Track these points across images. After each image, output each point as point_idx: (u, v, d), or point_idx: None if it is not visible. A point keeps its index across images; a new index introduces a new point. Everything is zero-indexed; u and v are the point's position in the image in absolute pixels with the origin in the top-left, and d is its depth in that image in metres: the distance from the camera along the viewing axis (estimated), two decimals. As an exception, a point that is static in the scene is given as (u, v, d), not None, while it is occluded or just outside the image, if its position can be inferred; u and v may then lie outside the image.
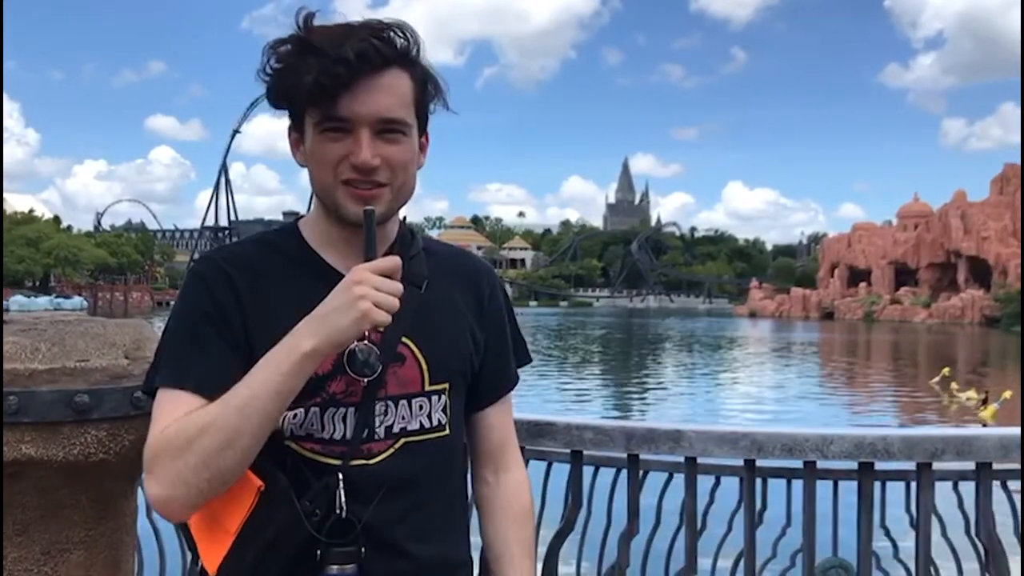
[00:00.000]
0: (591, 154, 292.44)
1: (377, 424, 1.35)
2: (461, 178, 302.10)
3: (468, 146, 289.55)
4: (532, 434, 1.84)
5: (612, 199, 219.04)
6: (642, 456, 1.98)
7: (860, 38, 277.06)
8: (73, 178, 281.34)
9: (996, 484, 2.13)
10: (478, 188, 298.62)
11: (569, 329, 75.90)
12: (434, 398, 1.40)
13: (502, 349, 1.55)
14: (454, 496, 1.48)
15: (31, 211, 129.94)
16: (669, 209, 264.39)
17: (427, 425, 1.39)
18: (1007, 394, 22.83)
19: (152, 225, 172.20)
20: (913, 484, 2.19)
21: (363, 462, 1.33)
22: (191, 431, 1.21)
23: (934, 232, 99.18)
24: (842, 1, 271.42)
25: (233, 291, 1.33)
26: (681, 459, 1.95)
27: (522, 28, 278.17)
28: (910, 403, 26.67)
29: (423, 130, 1.40)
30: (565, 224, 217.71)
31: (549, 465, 3.75)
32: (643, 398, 27.85)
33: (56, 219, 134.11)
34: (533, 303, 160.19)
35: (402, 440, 1.36)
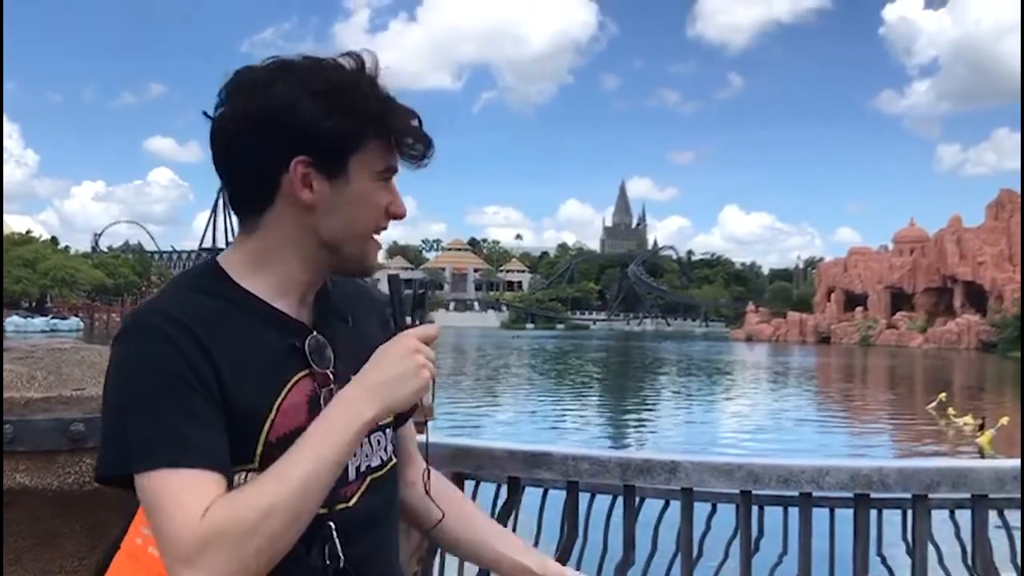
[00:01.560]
0: (588, 177, 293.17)
1: (350, 466, 1.32)
2: (458, 201, 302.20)
3: (466, 169, 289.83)
4: (528, 464, 1.84)
5: (609, 222, 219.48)
6: (638, 485, 1.97)
7: (855, 64, 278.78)
8: (71, 199, 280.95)
9: (993, 512, 2.13)
10: (475, 211, 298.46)
11: (567, 352, 75.83)
12: (388, 431, 1.42)
13: None
14: (399, 525, 1.49)
15: (28, 232, 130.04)
16: (666, 232, 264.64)
17: (384, 459, 1.39)
18: (1004, 420, 22.83)
19: (150, 246, 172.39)
20: (909, 512, 2.18)
21: (344, 505, 1.30)
22: (252, 515, 1.11)
23: (930, 257, 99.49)
24: (837, 28, 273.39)
25: (200, 347, 1.19)
26: (677, 487, 1.94)
27: (520, 52, 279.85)
28: (907, 429, 26.64)
29: None
30: (562, 247, 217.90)
31: (545, 492, 3.75)
32: (640, 423, 27.79)
33: (53, 240, 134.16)
34: (530, 325, 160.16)
35: (368, 478, 1.35)
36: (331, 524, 1.26)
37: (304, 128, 1.22)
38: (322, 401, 1.27)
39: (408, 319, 1.30)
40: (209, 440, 1.16)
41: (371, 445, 1.36)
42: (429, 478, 1.47)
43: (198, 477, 1.13)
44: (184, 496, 1.12)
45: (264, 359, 1.24)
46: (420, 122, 1.31)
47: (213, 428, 1.17)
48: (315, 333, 1.31)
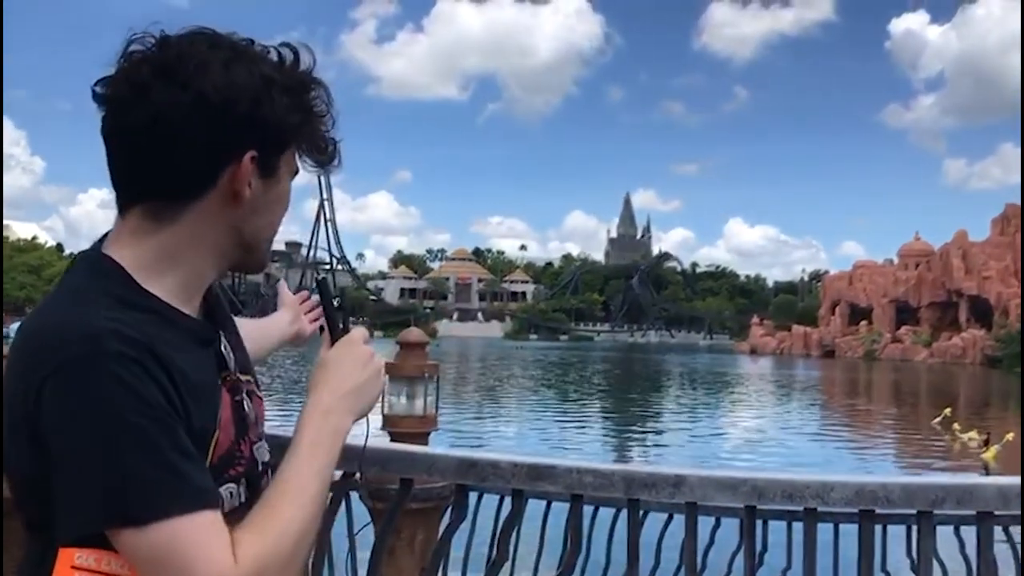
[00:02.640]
0: (593, 189, 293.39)
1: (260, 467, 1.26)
2: (463, 211, 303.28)
3: (470, 179, 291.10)
4: (532, 476, 1.83)
5: (614, 233, 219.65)
6: (642, 498, 1.97)
7: (861, 78, 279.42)
8: (77, 206, 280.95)
9: (998, 529, 2.12)
10: (480, 221, 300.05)
11: (570, 364, 75.77)
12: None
13: None
14: None
15: (34, 238, 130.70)
16: (670, 244, 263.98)
17: (265, 462, 1.29)
18: (1009, 436, 22.79)
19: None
20: (914, 528, 2.17)
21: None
22: (289, 543, 1.08)
23: (935, 271, 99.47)
24: (843, 42, 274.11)
25: (164, 369, 1.05)
26: (682, 501, 1.94)
27: (525, 63, 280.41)
28: (912, 443, 26.57)
29: None
30: (566, 258, 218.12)
31: (548, 505, 3.75)
32: (644, 436, 27.75)
33: (59, 247, 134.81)
34: (533, 336, 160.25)
35: (269, 473, 1.25)
36: None
37: (266, 122, 1.13)
38: (246, 409, 1.22)
39: (347, 322, 1.31)
40: (205, 475, 1.06)
41: (264, 441, 1.30)
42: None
43: (212, 519, 1.02)
44: (208, 542, 1.01)
45: (202, 373, 1.14)
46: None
47: (200, 460, 1.07)
48: (221, 336, 1.23)
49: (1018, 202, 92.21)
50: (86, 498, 0.99)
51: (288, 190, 1.23)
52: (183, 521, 0.99)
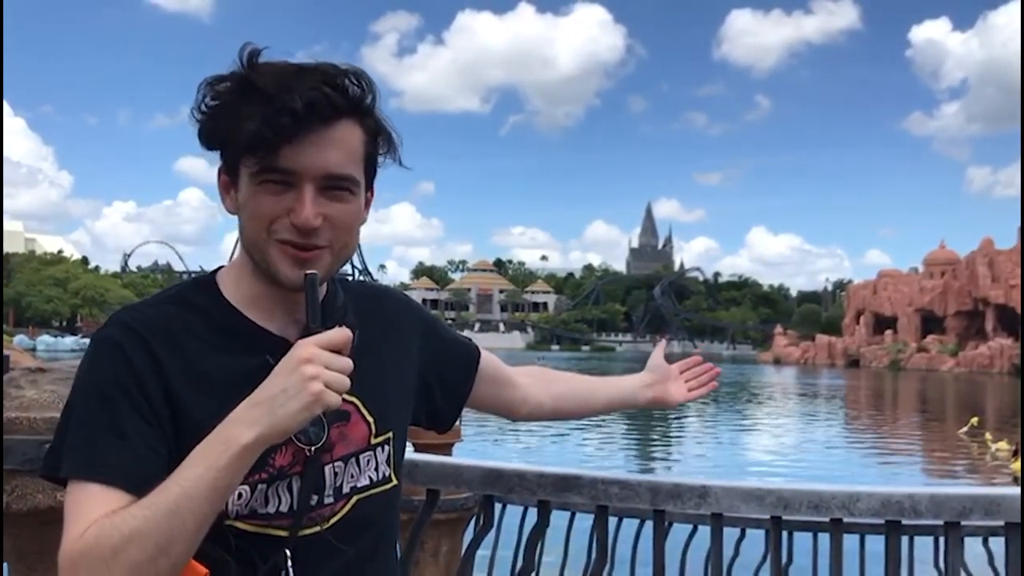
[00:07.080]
0: (614, 199, 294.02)
1: (326, 488, 1.25)
2: (485, 222, 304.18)
3: (492, 190, 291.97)
4: (558, 487, 1.84)
5: (635, 243, 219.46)
6: (668, 510, 1.97)
7: (883, 87, 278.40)
8: (102, 219, 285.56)
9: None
10: (502, 232, 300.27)
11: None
12: (378, 450, 1.32)
13: (451, 360, 1.54)
14: (393, 546, 1.42)
15: (60, 252, 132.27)
16: (693, 254, 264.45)
17: (375, 479, 1.32)
18: (1039, 445, 22.43)
19: (179, 267, 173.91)
20: (942, 540, 2.16)
21: (315, 529, 1.24)
22: (115, 539, 1.04)
23: (961, 280, 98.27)
24: (865, 50, 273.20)
25: (153, 361, 1.16)
26: (707, 512, 1.94)
27: (548, 75, 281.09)
28: (939, 454, 26.25)
29: (370, 185, 1.28)
30: (588, 268, 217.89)
31: (572, 516, 3.74)
32: (666, 446, 27.62)
33: (84, 260, 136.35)
34: (555, 347, 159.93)
35: (354, 498, 1.29)
36: (287, 551, 1.20)
37: (205, 140, 1.21)
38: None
39: (318, 324, 1.14)
40: (129, 458, 1.12)
41: (357, 465, 1.29)
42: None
43: (102, 493, 1.09)
44: (82, 510, 1.09)
45: (227, 374, 1.19)
46: (299, 87, 1.14)
47: (139, 444, 1.13)
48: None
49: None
50: (51, 447, 1.18)
51: (246, 195, 1.19)
52: (79, 485, 1.11)
